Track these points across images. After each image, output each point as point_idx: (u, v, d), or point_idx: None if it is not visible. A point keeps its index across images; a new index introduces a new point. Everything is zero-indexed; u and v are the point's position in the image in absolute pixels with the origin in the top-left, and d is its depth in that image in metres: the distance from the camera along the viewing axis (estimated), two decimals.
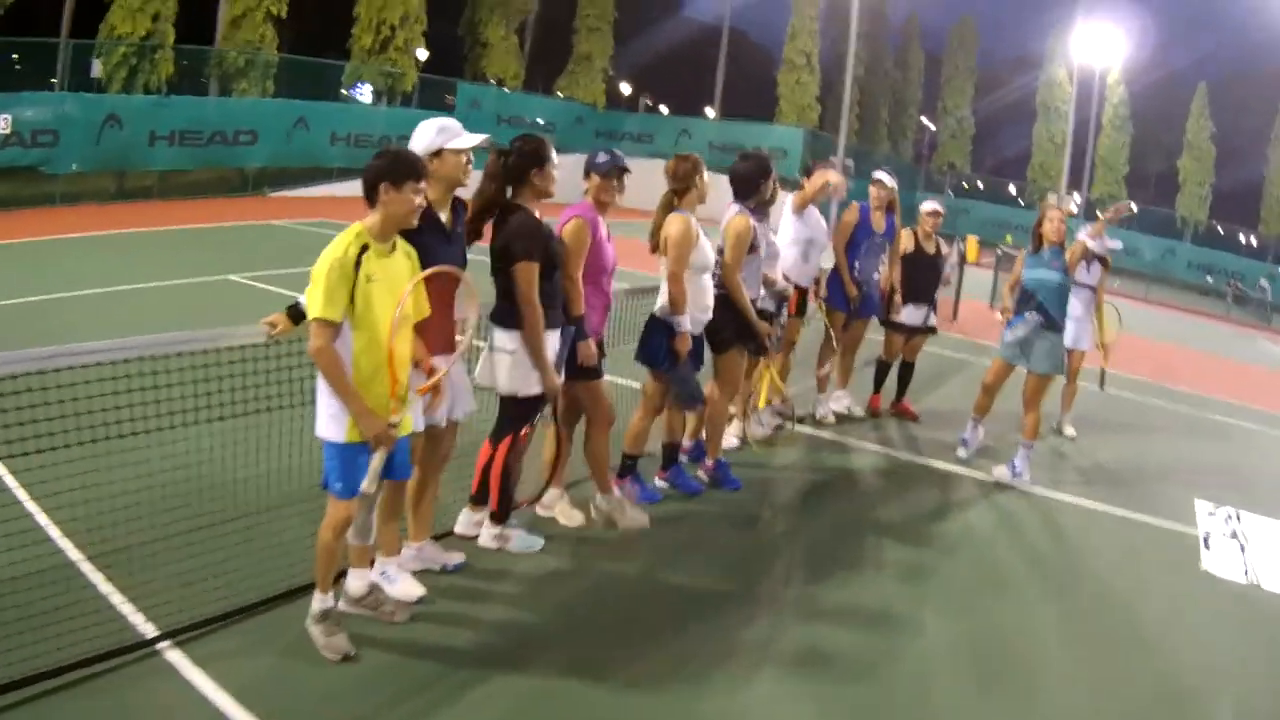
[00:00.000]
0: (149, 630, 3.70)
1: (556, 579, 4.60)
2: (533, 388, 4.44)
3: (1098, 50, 35.85)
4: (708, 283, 5.45)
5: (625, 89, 51.74)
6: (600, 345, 5.05)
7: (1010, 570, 5.35)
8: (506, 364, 4.44)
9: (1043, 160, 40.64)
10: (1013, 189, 38.75)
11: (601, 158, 4.89)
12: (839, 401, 8.06)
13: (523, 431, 4.55)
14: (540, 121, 31.62)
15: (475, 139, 4.05)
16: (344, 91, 26.50)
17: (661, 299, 5.40)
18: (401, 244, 3.72)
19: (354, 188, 4.29)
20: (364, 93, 27.42)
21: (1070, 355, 8.44)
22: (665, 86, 54.40)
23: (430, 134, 4.01)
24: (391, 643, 3.83)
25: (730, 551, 5.14)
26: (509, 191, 4.46)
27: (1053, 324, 6.69)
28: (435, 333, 3.96)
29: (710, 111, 40.09)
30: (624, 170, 4.90)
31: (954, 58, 44.73)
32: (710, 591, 4.64)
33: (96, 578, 4.08)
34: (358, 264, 3.46)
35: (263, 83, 22.72)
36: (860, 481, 6.63)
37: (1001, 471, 6.78)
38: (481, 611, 4.19)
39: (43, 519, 4.48)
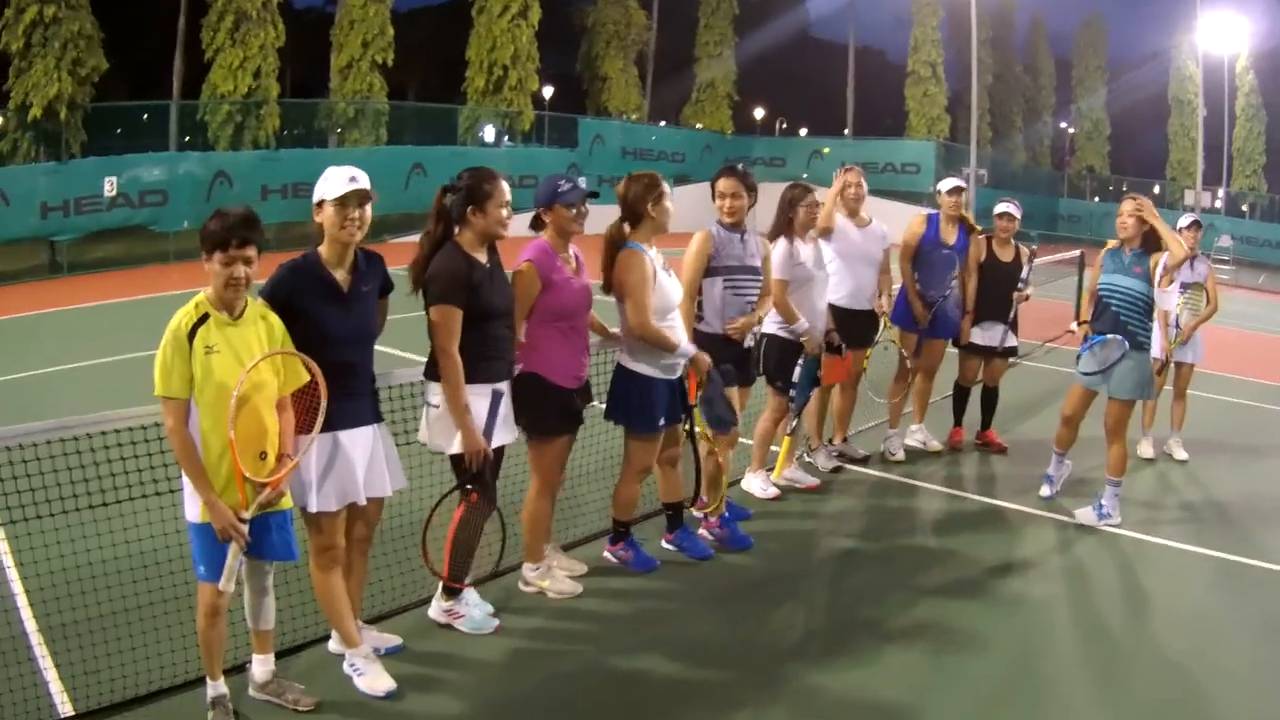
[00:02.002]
0: (65, 709, 3.57)
1: (507, 669, 4.04)
2: (452, 446, 3.98)
3: (1222, 37, 33.35)
4: (675, 321, 4.76)
5: (759, 113, 51.09)
6: (586, 390, 4.59)
7: (1063, 648, 4.40)
8: (428, 418, 4.06)
9: (1180, 157, 37.80)
10: (1157, 189, 35.86)
11: (564, 186, 4.36)
12: (913, 435, 7.29)
13: (472, 496, 4.04)
14: (667, 152, 31.31)
15: (340, 189, 3.54)
16: (466, 134, 26.78)
17: (625, 344, 4.79)
18: (256, 309, 3.40)
19: None
20: (487, 133, 27.76)
21: (1179, 370, 7.45)
22: (801, 109, 53.72)
23: (320, 184, 3.61)
24: None
25: (724, 630, 4.46)
26: (456, 231, 4.04)
27: (1134, 341, 5.74)
28: (310, 408, 3.51)
29: (847, 131, 39.02)
30: (591, 195, 4.44)
31: (1084, 58, 42.31)
32: (689, 681, 4.01)
33: (40, 650, 3.97)
34: (192, 335, 3.21)
35: (375, 131, 23.25)
36: (912, 531, 5.87)
37: (1086, 513, 5.89)
38: (407, 706, 3.70)
39: (16, 587, 4.46)
